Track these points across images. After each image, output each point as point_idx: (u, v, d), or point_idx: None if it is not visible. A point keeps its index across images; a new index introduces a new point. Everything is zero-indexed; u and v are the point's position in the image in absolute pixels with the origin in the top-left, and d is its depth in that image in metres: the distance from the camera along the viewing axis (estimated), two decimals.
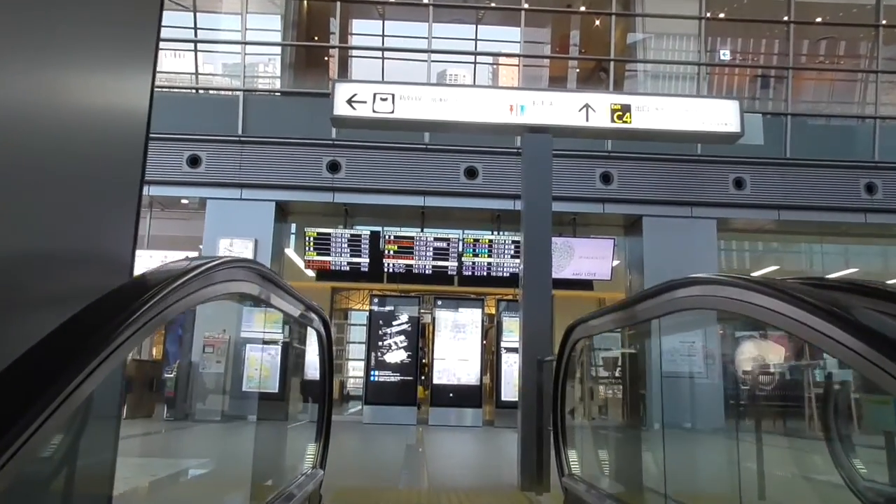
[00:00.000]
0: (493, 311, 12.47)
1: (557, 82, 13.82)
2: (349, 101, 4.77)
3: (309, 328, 3.59)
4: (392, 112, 4.82)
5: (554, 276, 4.83)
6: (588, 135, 4.92)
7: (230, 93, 11.79)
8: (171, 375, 11.17)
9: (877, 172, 11.85)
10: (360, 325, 14.90)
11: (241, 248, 11.56)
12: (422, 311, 12.24)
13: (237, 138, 11.52)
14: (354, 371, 15.73)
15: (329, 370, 3.66)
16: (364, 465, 6.80)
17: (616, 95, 4.71)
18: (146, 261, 12.28)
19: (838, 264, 14.02)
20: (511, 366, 11.45)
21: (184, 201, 12.06)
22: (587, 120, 4.63)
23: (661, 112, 4.64)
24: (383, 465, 6.75)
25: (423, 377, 12.22)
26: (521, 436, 4.23)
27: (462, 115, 4.86)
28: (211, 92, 12.28)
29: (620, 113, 4.65)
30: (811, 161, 11.72)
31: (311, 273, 12.16)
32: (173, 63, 13.37)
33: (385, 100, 4.79)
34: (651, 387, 3.94)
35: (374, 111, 4.80)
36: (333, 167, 11.50)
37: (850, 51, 13.55)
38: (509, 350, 11.51)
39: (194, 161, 11.43)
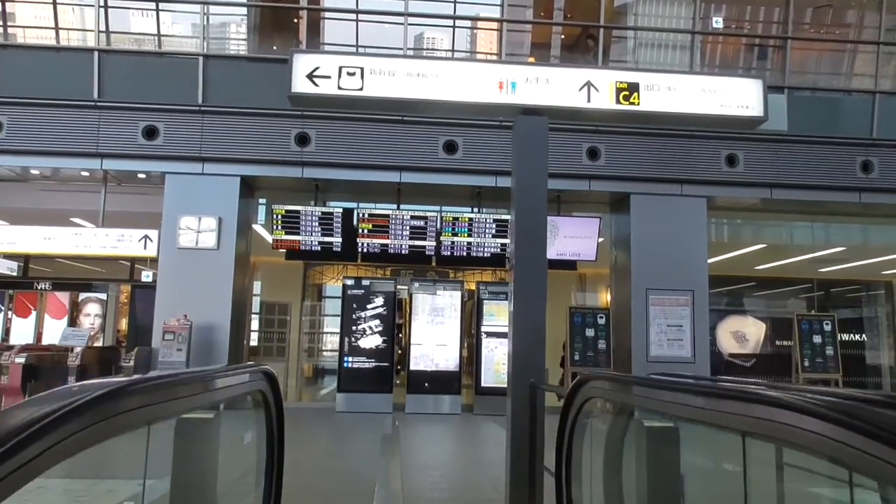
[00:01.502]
0: (473, 292, 11.87)
1: (540, 49, 13.03)
2: (310, 76, 4.05)
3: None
4: (361, 89, 4.11)
5: None
6: (589, 117, 4.27)
7: (189, 57, 10.86)
8: None
9: (874, 150, 11.36)
10: (335, 297, 14.19)
11: (204, 227, 10.79)
12: (398, 293, 11.59)
13: (197, 108, 10.65)
14: (331, 345, 14.86)
15: (277, 463, 2.73)
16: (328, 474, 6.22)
17: (622, 72, 4.05)
18: (102, 239, 11.45)
19: (821, 241, 13.65)
20: (492, 351, 10.93)
21: (140, 176, 11.19)
22: (588, 100, 3.98)
23: (673, 93, 4.00)
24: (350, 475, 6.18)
25: (399, 365, 11.65)
26: (510, 478, 3.65)
27: (443, 94, 4.17)
28: (168, 56, 11.32)
29: (627, 93, 4.00)
30: (806, 137, 11.18)
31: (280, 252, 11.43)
32: (134, 23, 12.30)
33: (353, 74, 4.07)
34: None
35: (339, 88, 4.09)
36: (302, 140, 10.70)
37: (851, 20, 12.91)
38: (490, 335, 10.96)
39: (151, 132, 10.56)
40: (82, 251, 11.35)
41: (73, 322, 17.88)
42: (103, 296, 17.68)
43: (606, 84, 4.02)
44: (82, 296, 17.79)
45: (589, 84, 3.97)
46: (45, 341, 15.29)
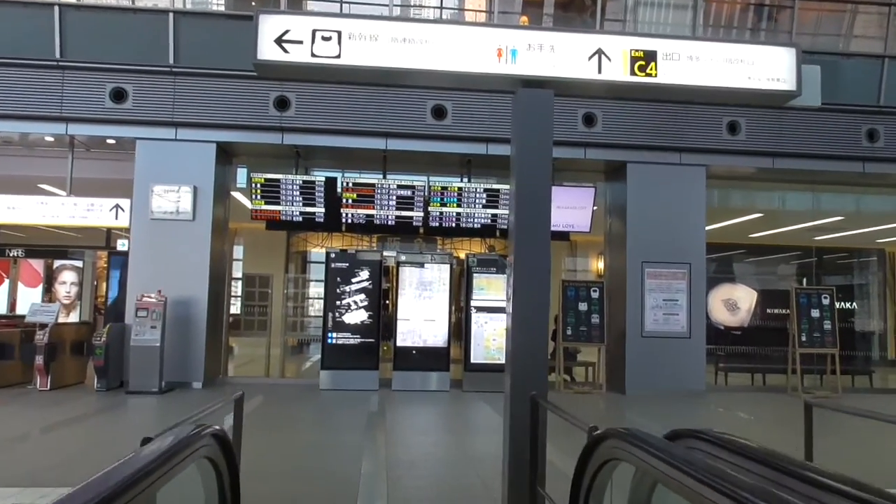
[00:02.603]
0: (462, 265, 11.42)
1: (533, 7, 12.35)
2: (279, 41, 3.49)
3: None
4: (338, 56, 3.55)
5: None
6: (599, 91, 3.75)
7: (159, 13, 10.10)
8: None
9: (881, 118, 10.90)
10: (319, 262, 13.59)
11: (179, 196, 10.20)
12: (384, 266, 11.11)
13: (169, 69, 9.96)
14: (315, 310, 14.16)
15: None
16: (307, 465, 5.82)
17: (636, 38, 3.53)
18: (70, 209, 10.83)
19: (818, 210, 13.30)
20: (482, 326, 10.53)
21: (110, 141, 10.55)
22: (599, 71, 3.47)
23: (695, 63, 3.49)
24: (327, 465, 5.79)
25: (384, 339, 11.22)
26: (505, 495, 3.24)
27: (432, 62, 3.64)
28: (137, 12, 10.53)
29: (643, 62, 3.49)
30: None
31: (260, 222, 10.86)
32: None
33: (328, 39, 3.51)
34: None
35: (313, 55, 3.53)
36: (282, 104, 10.07)
37: None
38: (480, 309, 10.54)
39: (119, 95, 9.88)
40: (49, 221, 10.75)
41: (48, 290, 17.32)
42: (79, 263, 17.09)
43: (619, 52, 3.50)
44: (57, 263, 17.17)
45: (600, 52, 3.45)
46: (20, 310, 14.69)
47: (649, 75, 3.50)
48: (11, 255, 17.88)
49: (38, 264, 18.01)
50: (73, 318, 16.00)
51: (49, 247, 17.54)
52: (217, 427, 2.05)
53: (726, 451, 1.92)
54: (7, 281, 17.33)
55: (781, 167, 10.96)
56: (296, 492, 4.73)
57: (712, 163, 10.91)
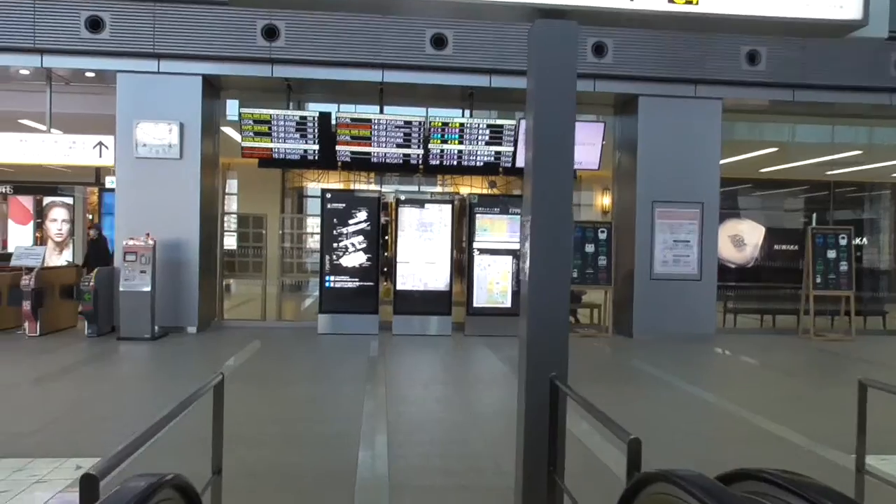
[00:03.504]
0: (464, 205, 10.95)
1: None
2: None
3: None
4: None
5: None
6: (631, 22, 3.21)
7: None
8: None
9: None
10: (316, 196, 13.07)
11: (164, 133, 9.64)
12: (383, 206, 10.65)
13: None
14: (313, 244, 13.58)
15: None
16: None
17: None
18: (51, 147, 10.28)
19: (836, 143, 12.77)
20: (485, 269, 10.15)
21: (89, 75, 9.90)
22: None
23: None
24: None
25: (385, 283, 10.88)
26: (522, 493, 2.90)
27: None
28: None
29: None
30: None
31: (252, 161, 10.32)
32: None
33: None
34: None
35: None
36: (270, 33, 9.38)
37: None
38: (483, 251, 10.14)
39: (95, 24, 9.18)
40: (29, 160, 10.22)
41: (40, 227, 16.92)
42: (69, 200, 16.62)
43: None
44: (47, 200, 16.71)
45: None
46: (11, 248, 14.28)
47: (689, 3, 2.96)
48: (0, 191, 17.40)
49: (27, 201, 17.55)
50: (67, 255, 15.66)
51: (39, 183, 17.02)
52: (176, 475, 1.66)
53: (796, 496, 1.53)
54: None
55: (803, 100, 10.34)
56: (289, 460, 4.43)
57: (729, 95, 10.29)
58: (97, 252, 11.73)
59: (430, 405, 6.15)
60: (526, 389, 2.93)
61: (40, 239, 16.54)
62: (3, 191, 17.47)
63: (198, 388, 2.61)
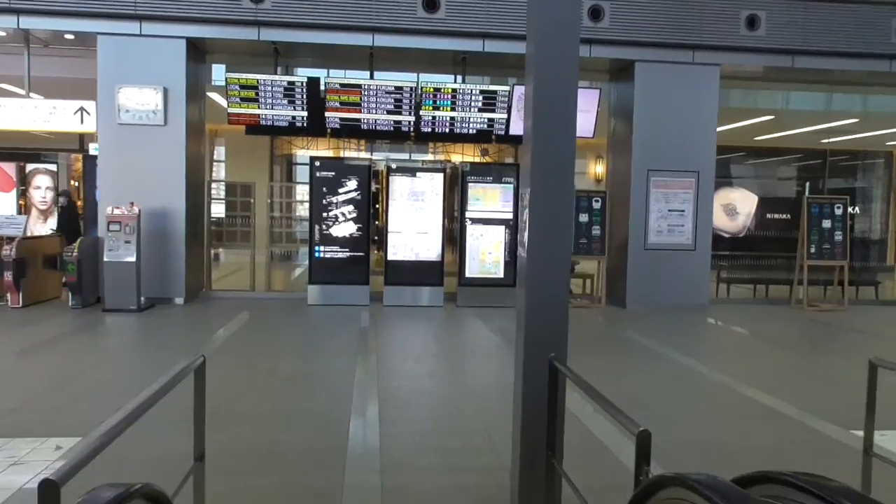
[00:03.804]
0: (456, 173, 10.74)
1: None
2: None
3: None
4: None
5: None
6: None
7: None
8: None
9: None
10: (305, 164, 12.79)
11: (147, 98, 9.35)
12: (373, 174, 10.43)
13: None
14: (303, 211, 13.33)
15: None
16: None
17: None
18: (30, 112, 9.98)
19: (831, 111, 12.61)
20: (477, 239, 10.00)
21: (68, 37, 9.55)
22: None
23: None
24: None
25: (376, 251, 10.71)
26: (518, 479, 2.79)
27: None
28: None
29: None
30: None
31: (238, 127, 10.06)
32: None
33: None
34: None
35: None
36: None
37: None
38: (476, 221, 9.98)
39: None
40: (8, 126, 9.93)
41: (23, 195, 16.57)
42: (53, 167, 16.25)
43: None
44: (30, 167, 16.34)
45: None
46: None
47: None
48: None
49: (9, 168, 17.14)
50: (52, 223, 15.37)
51: (21, 149, 16.61)
52: (144, 484, 1.51)
53: (818, 499, 1.40)
54: None
55: (802, 66, 10.15)
56: (277, 439, 4.31)
57: (727, 62, 10.08)
58: (69, 220, 11.48)
59: (421, 379, 6.04)
60: (524, 370, 2.80)
61: (24, 207, 16.21)
62: None
63: (180, 368, 2.47)
